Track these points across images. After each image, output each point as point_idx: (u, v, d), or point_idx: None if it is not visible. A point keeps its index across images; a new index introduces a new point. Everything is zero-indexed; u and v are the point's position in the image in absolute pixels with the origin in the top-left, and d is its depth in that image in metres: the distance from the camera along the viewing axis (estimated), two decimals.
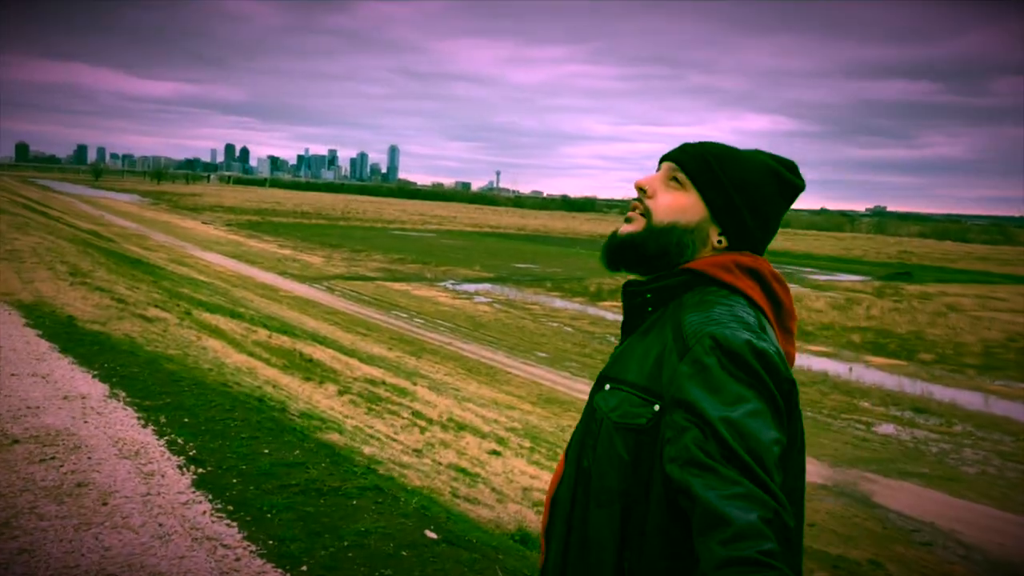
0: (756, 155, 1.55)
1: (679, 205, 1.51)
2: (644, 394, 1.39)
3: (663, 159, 1.58)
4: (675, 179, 1.53)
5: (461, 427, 10.14)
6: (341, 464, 5.61)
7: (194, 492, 4.80)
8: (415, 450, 7.53)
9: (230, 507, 4.60)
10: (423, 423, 9.58)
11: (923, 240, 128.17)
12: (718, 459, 1.22)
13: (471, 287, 38.81)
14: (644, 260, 1.53)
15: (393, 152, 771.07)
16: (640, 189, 1.56)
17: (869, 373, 24.46)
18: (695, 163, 1.52)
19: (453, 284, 39.48)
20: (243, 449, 5.58)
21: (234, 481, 5.00)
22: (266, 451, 5.60)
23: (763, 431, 1.24)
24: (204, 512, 4.52)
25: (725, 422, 1.24)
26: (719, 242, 1.51)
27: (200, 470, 5.17)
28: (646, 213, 1.53)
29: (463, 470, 7.25)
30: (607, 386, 1.47)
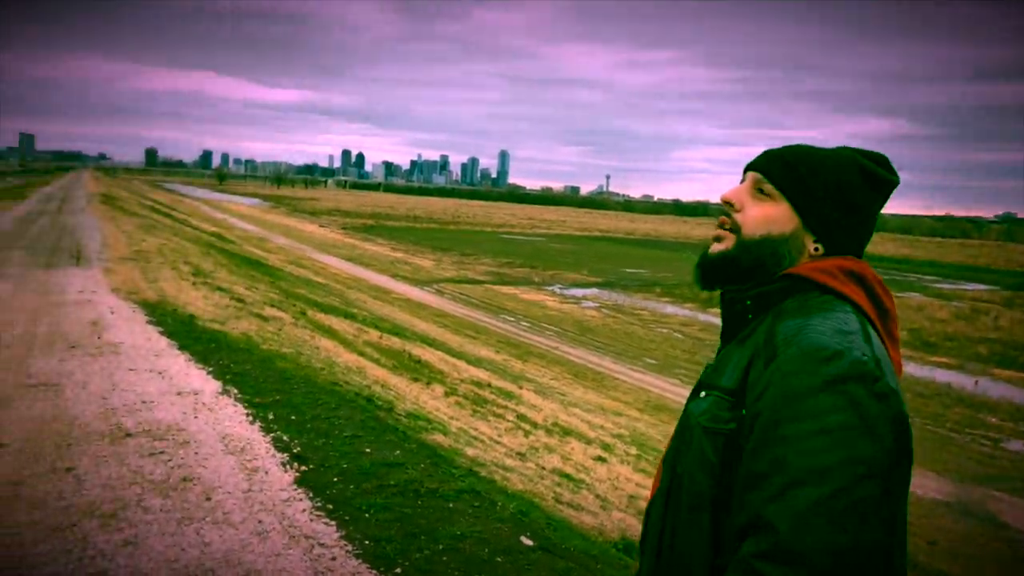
0: (842, 153, 1.48)
1: (769, 216, 1.46)
2: (733, 398, 1.37)
3: (747, 168, 1.53)
4: (761, 190, 1.48)
5: (566, 432, 10.01)
6: (440, 465, 5.57)
7: (295, 490, 4.83)
8: (519, 453, 7.45)
9: (329, 506, 4.60)
10: (528, 427, 9.50)
11: None
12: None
13: (579, 291, 38.62)
14: (739, 275, 1.48)
15: (503, 157, 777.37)
16: (727, 203, 1.51)
17: (997, 387, 23.12)
18: (781, 171, 1.46)
19: (561, 288, 39.37)
20: (345, 448, 5.61)
21: (335, 480, 5.01)
22: (368, 450, 5.61)
23: (836, 448, 1.20)
24: (303, 510, 4.53)
25: (791, 435, 1.23)
26: (815, 249, 1.46)
27: (303, 467, 5.20)
28: (735, 228, 1.48)
29: (567, 475, 7.13)
30: (702, 393, 1.45)
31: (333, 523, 4.37)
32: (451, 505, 4.75)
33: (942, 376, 21.91)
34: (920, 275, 55.92)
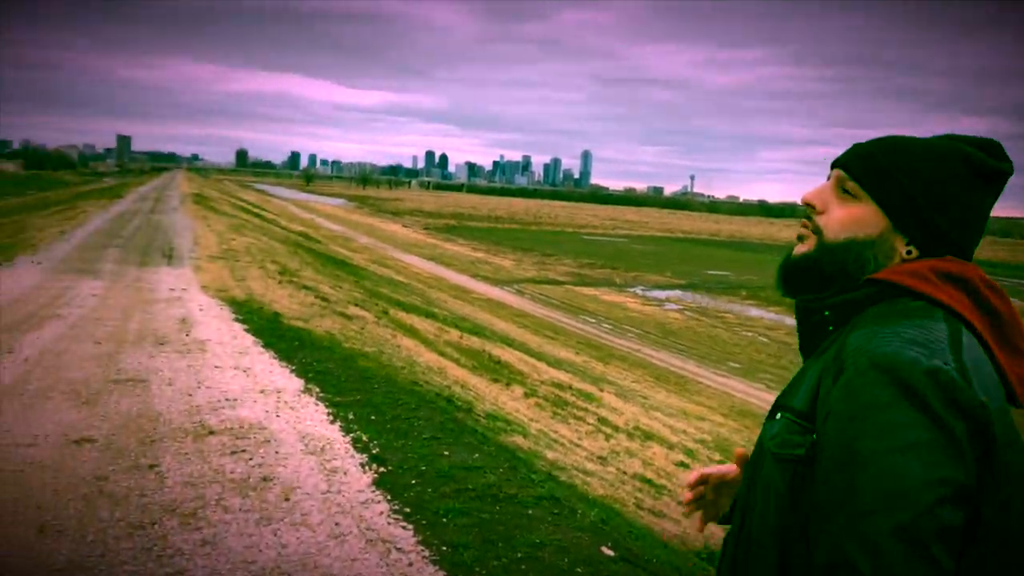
0: (941, 142, 1.31)
1: (853, 218, 1.30)
2: (804, 421, 1.23)
3: (833, 165, 1.37)
4: (845, 189, 1.32)
5: (648, 436, 9.81)
6: (519, 470, 5.48)
7: (373, 492, 4.78)
8: (599, 457, 7.31)
9: (407, 509, 4.54)
10: (608, 430, 9.34)
11: None
12: (836, 503, 1.10)
13: (661, 293, 38.19)
14: (822, 281, 1.33)
15: (586, 157, 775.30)
16: (808, 205, 1.35)
17: None
18: (864, 167, 1.30)
19: (643, 290, 38.99)
20: (424, 450, 5.56)
21: (413, 482, 4.95)
22: (446, 452, 5.54)
23: (914, 468, 1.06)
24: (381, 513, 4.47)
25: (862, 456, 1.09)
26: (908, 252, 1.29)
27: (381, 469, 5.16)
28: (817, 231, 1.33)
29: (649, 481, 6.96)
30: (777, 414, 1.30)
31: (411, 527, 4.31)
32: (530, 512, 4.64)
33: None
34: (1019, 280, 53.49)
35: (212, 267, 15.84)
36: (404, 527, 4.30)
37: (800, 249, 1.35)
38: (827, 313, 1.30)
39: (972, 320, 1.22)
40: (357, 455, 5.40)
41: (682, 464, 8.62)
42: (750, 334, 28.67)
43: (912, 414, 1.08)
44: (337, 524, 4.28)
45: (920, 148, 1.30)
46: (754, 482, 1.30)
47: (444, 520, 4.39)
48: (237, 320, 10.09)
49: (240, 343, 8.58)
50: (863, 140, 1.35)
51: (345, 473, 5.06)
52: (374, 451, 5.48)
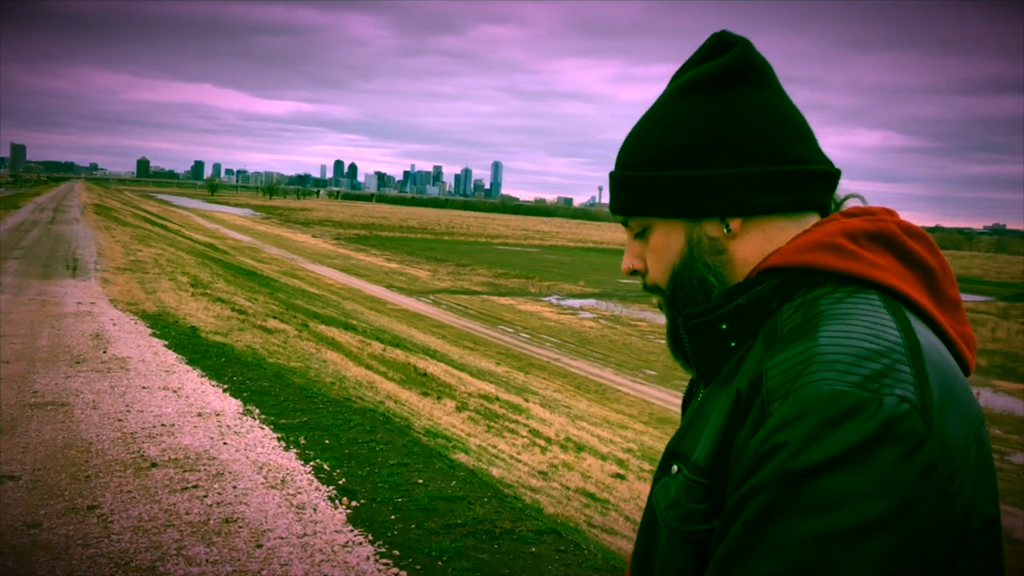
0: (665, 93, 1.04)
1: (656, 250, 1.03)
2: (707, 479, 0.89)
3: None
4: (636, 233, 1.06)
5: (580, 447, 9.79)
6: (507, 500, 5.03)
7: (352, 531, 4.27)
8: (540, 472, 7.21)
9: (395, 551, 4.05)
10: (542, 442, 9.28)
11: None
12: None
13: (576, 302, 38.51)
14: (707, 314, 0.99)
15: (496, 168, 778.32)
16: (633, 273, 1.08)
17: (998, 399, 23.07)
18: (621, 196, 1.05)
19: (558, 299, 39.26)
20: (395, 479, 5.11)
21: (392, 518, 4.48)
22: (420, 481, 5.10)
23: (856, 563, 0.75)
24: (367, 557, 3.96)
25: (779, 541, 0.78)
26: (728, 229, 0.98)
27: (354, 503, 4.67)
28: (656, 289, 1.06)
29: (592, 495, 6.90)
30: (673, 467, 0.95)
31: (403, 573, 3.81)
32: (533, 550, 4.18)
33: None
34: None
35: (120, 279, 15.20)
36: (396, 574, 3.82)
37: (667, 319, 1.07)
38: (724, 327, 0.97)
39: (912, 293, 0.93)
40: (323, 487, 4.89)
41: (618, 476, 8.61)
42: (663, 341, 28.95)
43: (861, 480, 0.77)
44: (325, 575, 3.76)
45: (640, 123, 1.05)
46: (649, 555, 1.00)
47: (440, 563, 3.93)
48: (155, 335, 9.66)
49: (163, 360, 8.18)
50: None
51: (315, 509, 4.53)
52: (340, 482, 5.01)
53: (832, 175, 1.01)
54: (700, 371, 1.02)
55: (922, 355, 0.85)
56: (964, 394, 0.87)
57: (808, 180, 0.99)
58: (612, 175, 1.07)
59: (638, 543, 1.04)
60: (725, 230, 0.98)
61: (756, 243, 0.98)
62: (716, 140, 0.97)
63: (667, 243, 1.02)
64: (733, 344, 0.97)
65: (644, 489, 8.40)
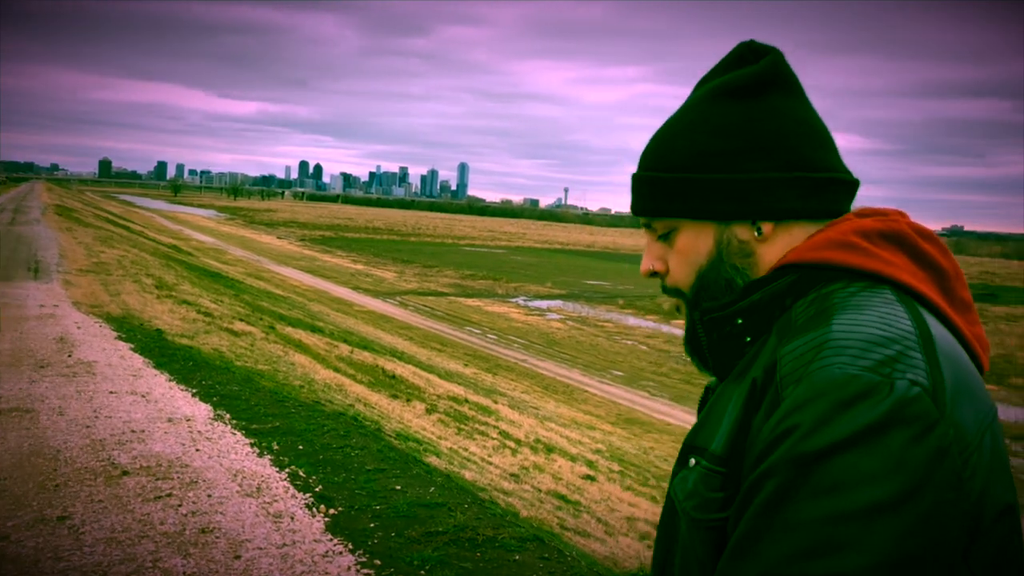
0: (691, 99, 1.07)
1: (682, 251, 1.05)
2: (726, 468, 0.92)
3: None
4: (660, 234, 1.08)
5: (550, 449, 9.83)
6: (488, 506, 4.97)
7: (331, 540, 4.20)
8: (512, 475, 7.23)
9: (377, 561, 3.97)
10: (512, 444, 9.30)
11: (1006, 260, 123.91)
12: None
13: (543, 303, 38.59)
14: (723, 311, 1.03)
15: (463, 169, 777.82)
16: (652, 276, 1.11)
17: None
18: (647, 196, 1.07)
19: (525, 300, 39.32)
20: (372, 485, 5.05)
21: (372, 526, 4.41)
22: (398, 487, 5.04)
23: (866, 543, 0.77)
24: (348, 567, 3.89)
25: (791, 522, 0.80)
26: (759, 232, 1.01)
27: (331, 511, 4.60)
28: (676, 292, 1.08)
29: (563, 497, 6.93)
30: (690, 459, 0.99)
31: None
32: (516, 557, 4.12)
33: None
34: None
35: (83, 281, 14.99)
36: None
37: (684, 322, 1.10)
38: (740, 321, 1.01)
39: (924, 290, 0.96)
40: (299, 494, 4.81)
41: (588, 477, 8.66)
42: (630, 342, 29.29)
43: (872, 462, 0.79)
44: None
45: (668, 126, 1.07)
46: (670, 548, 1.04)
47: (423, 573, 3.89)
48: (120, 338, 9.55)
49: (130, 364, 8.08)
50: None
51: (292, 518, 4.45)
52: (317, 489, 4.93)
53: (853, 184, 1.05)
54: (716, 366, 1.05)
55: (934, 344, 0.87)
56: (976, 386, 0.90)
57: (835, 187, 1.03)
58: (637, 176, 1.09)
59: (658, 540, 1.08)
60: (756, 233, 1.01)
61: (783, 247, 1.01)
62: (750, 145, 1.00)
63: (695, 245, 1.04)
64: (748, 339, 1.00)
65: (614, 491, 8.46)
